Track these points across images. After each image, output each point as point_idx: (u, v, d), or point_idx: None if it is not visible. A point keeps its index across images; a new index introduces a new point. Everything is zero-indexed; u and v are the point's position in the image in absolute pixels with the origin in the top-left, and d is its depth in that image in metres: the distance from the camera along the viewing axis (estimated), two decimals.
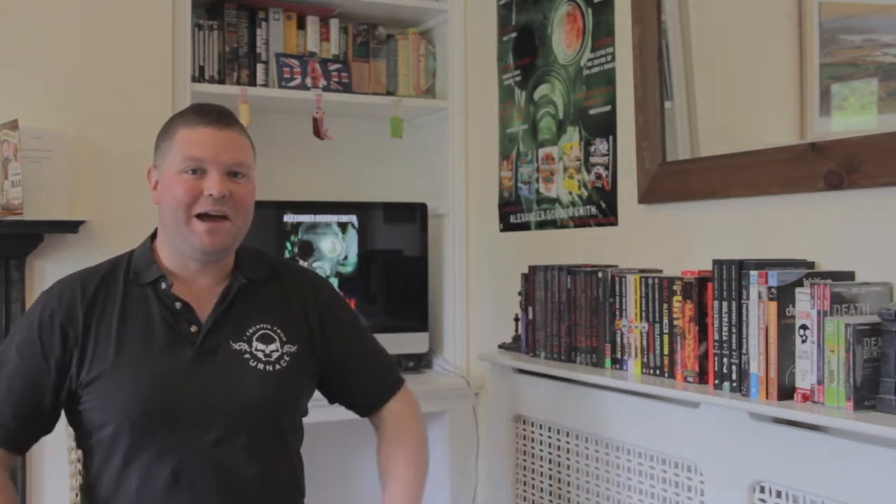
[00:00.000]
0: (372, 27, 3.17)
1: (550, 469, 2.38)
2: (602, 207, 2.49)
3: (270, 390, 1.64)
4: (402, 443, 1.79)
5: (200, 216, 1.59)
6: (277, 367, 1.66)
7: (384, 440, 1.80)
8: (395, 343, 3.05)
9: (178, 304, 1.63)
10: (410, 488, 1.74)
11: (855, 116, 1.92)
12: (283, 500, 1.69)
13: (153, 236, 1.72)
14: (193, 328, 1.63)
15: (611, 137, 2.46)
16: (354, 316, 1.86)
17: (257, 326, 1.67)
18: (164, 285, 1.64)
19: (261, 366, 1.64)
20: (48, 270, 2.54)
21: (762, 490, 1.77)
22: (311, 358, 1.73)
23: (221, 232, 1.61)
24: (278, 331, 1.69)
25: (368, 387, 1.81)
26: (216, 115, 1.64)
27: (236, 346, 1.64)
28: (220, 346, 1.63)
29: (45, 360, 1.59)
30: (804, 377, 1.72)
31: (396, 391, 1.83)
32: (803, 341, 1.72)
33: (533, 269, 2.47)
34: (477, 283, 3.11)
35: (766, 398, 1.76)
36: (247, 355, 1.64)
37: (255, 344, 1.66)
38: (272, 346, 1.67)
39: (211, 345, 1.63)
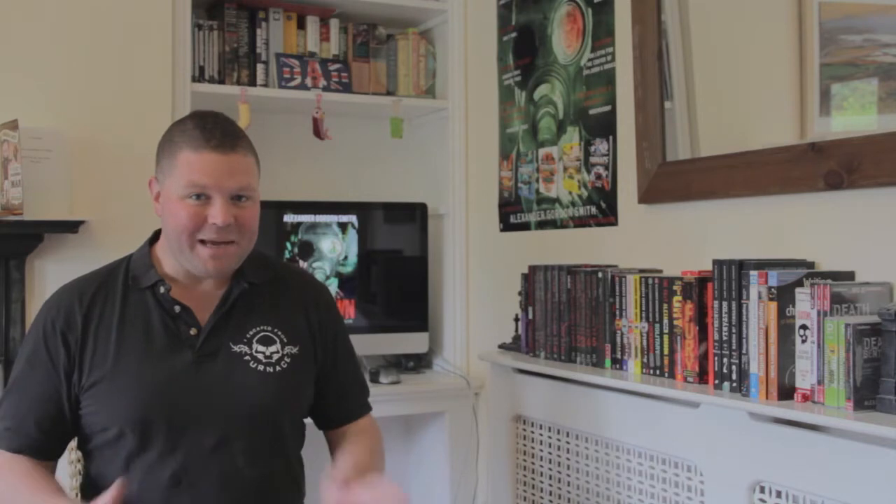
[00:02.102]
0: (372, 27, 3.17)
1: (550, 469, 2.38)
2: (602, 207, 2.49)
3: (271, 392, 1.64)
4: (370, 441, 1.77)
5: (204, 241, 1.58)
6: (278, 368, 1.65)
7: (347, 441, 1.76)
8: (395, 343, 3.06)
9: (177, 308, 1.63)
10: (372, 454, 1.72)
11: (855, 116, 1.92)
12: (283, 502, 1.68)
13: (151, 240, 1.71)
14: (193, 331, 1.63)
15: (611, 137, 2.46)
16: (347, 330, 1.85)
17: (257, 328, 1.67)
18: (162, 289, 1.63)
19: (261, 367, 1.64)
20: (48, 270, 2.55)
21: (762, 490, 1.77)
22: (311, 360, 1.73)
23: (226, 257, 1.60)
24: (279, 332, 1.68)
25: (341, 404, 1.80)
26: (220, 138, 1.57)
27: (236, 349, 1.64)
28: (220, 348, 1.63)
29: (54, 368, 1.60)
30: (804, 377, 1.72)
31: (365, 414, 1.83)
32: (803, 341, 1.72)
33: (533, 269, 2.47)
34: (477, 283, 3.11)
35: (766, 398, 1.76)
36: (247, 357, 1.64)
37: (255, 346, 1.65)
38: (272, 348, 1.66)
39: (211, 348, 1.63)
